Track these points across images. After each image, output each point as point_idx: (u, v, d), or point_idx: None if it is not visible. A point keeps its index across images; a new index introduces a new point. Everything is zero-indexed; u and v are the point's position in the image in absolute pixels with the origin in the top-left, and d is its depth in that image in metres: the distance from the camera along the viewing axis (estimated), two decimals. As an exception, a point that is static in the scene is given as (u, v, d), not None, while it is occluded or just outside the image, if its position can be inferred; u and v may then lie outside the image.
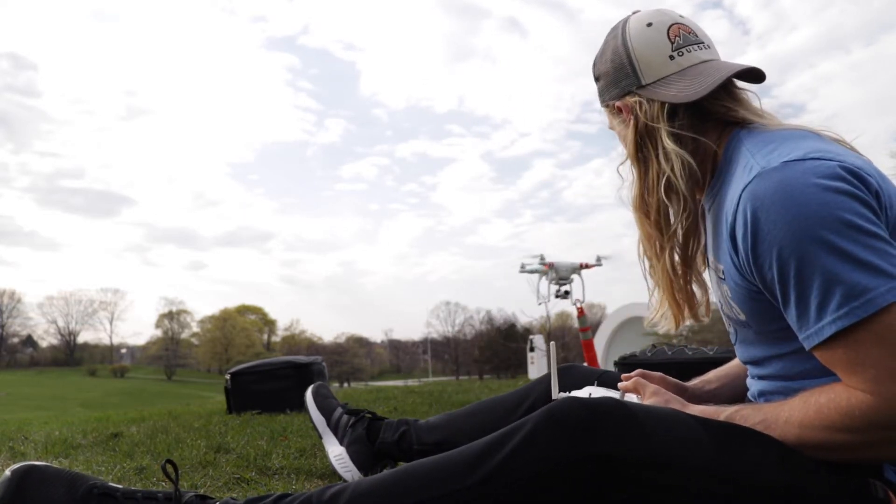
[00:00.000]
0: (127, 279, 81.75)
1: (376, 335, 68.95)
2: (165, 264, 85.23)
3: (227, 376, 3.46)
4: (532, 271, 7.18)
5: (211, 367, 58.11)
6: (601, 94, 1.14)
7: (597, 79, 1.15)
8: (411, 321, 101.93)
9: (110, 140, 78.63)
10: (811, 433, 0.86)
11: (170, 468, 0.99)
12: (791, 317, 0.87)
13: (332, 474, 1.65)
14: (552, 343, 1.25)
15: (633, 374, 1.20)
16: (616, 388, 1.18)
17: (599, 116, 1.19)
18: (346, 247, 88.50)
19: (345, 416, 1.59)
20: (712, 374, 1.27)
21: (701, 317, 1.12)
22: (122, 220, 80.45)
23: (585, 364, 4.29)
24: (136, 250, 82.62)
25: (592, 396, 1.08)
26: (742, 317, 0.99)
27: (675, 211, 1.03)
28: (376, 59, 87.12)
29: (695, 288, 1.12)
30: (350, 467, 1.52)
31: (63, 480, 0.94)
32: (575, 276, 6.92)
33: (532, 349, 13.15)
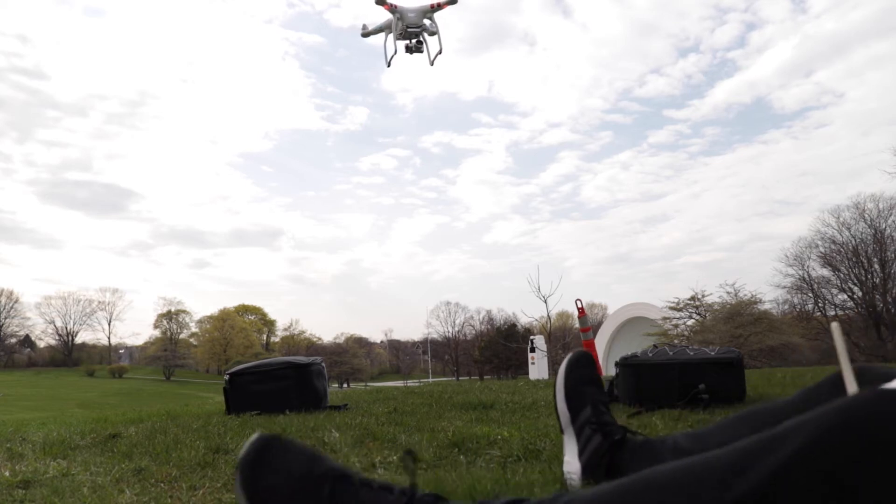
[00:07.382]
0: (129, 278, 79.52)
1: (376, 335, 69.09)
2: (169, 262, 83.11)
3: (226, 377, 3.43)
4: (376, 31, 5.92)
5: (209, 368, 58.23)
6: None
7: None
8: (412, 321, 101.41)
9: (119, 128, 75.18)
10: None
11: (409, 460, 0.93)
12: None
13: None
14: (836, 324, 0.81)
15: None
16: None
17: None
18: (356, 245, 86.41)
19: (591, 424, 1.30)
20: None
21: None
22: (128, 216, 77.66)
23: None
24: (141, 248, 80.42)
25: None
26: None
27: None
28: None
29: None
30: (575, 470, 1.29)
31: (306, 456, 0.92)
32: (427, 21, 5.72)
33: (533, 350, 13.14)
